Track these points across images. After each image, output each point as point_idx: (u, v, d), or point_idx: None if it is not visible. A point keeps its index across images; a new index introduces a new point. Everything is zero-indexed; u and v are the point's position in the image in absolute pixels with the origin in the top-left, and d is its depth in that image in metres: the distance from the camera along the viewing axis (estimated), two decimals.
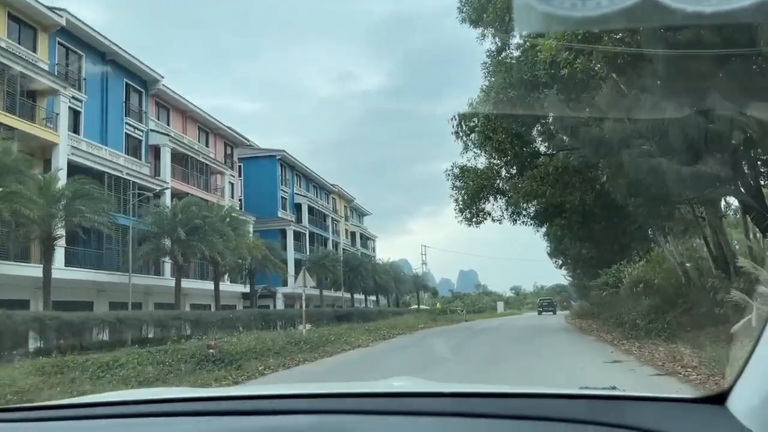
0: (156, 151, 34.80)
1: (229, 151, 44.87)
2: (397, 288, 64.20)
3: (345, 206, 69.32)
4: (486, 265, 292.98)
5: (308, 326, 19.45)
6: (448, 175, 21.63)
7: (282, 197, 50.83)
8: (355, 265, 53.40)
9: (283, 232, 48.76)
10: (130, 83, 32.94)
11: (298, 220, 52.52)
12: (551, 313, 62.27)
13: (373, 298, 66.58)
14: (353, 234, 70.56)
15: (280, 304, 46.78)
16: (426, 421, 1.20)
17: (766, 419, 1.01)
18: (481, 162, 20.64)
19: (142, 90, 34.06)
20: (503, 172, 20.58)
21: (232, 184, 44.57)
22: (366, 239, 75.37)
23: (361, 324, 27.18)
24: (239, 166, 48.31)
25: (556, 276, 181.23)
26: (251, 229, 44.26)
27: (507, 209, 23.18)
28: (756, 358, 1.08)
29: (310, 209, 54.33)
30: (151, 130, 34.56)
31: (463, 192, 21.36)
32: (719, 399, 1.14)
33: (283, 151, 49.30)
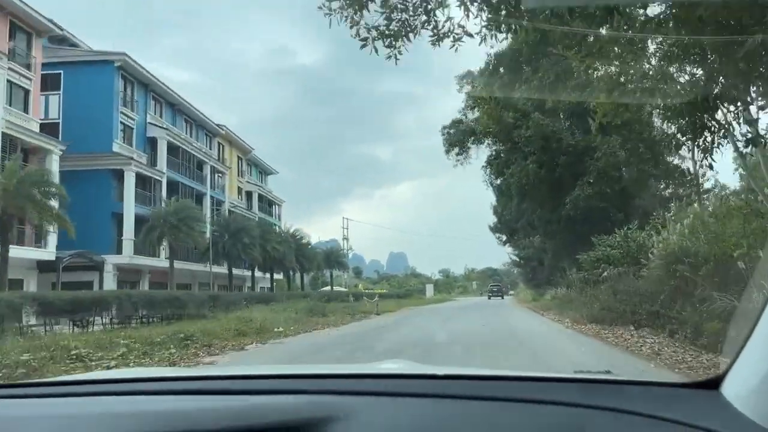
0: None
1: (22, 42, 28.53)
2: (301, 264, 49.52)
3: (239, 157, 53.71)
4: (416, 247, 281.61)
5: None
6: None
7: (125, 125, 34.86)
8: (235, 231, 38.26)
9: (120, 175, 32.98)
10: None
11: (153, 162, 36.76)
12: (500, 297, 60.51)
13: (280, 275, 51.84)
14: (249, 194, 55.13)
15: (109, 281, 31.23)
16: (418, 402, 1.17)
17: (760, 404, 1.00)
18: None
19: None
20: None
21: (26, 92, 28.38)
22: (269, 203, 60.11)
23: (123, 329, 12.53)
24: (57, 74, 32.16)
25: (489, 259, 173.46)
26: (55, 162, 28.46)
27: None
28: (752, 344, 1.07)
29: (173, 148, 38.56)
30: None
31: None
32: (713, 384, 1.13)
33: (124, 54, 33.21)
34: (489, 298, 60.88)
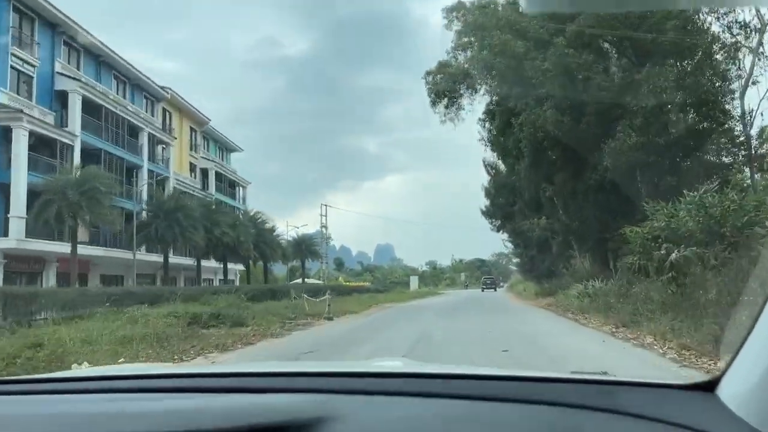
0: None
1: None
2: (262, 252, 42.15)
3: (192, 128, 46.17)
4: (403, 239, 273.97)
5: None
6: None
7: (19, 71, 27.20)
8: (171, 210, 30.82)
9: (8, 134, 25.42)
10: None
11: (62, 121, 29.18)
12: (493, 289, 60.20)
13: (239, 266, 44.57)
14: (205, 171, 47.63)
15: None
16: (415, 401, 1.17)
17: (755, 406, 1.00)
18: None
19: None
20: None
21: None
22: (231, 184, 52.57)
23: None
24: None
25: (477, 250, 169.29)
26: None
27: None
28: (749, 345, 1.08)
29: (94, 108, 30.91)
30: None
31: None
32: (710, 386, 1.13)
33: None
34: (482, 290, 60.63)
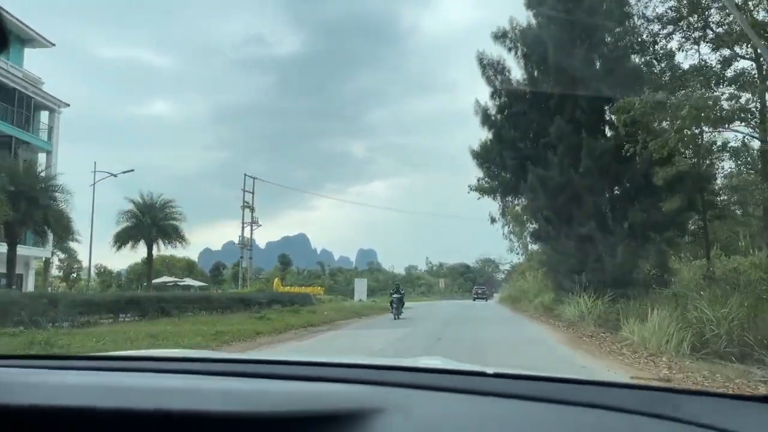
0: None
1: None
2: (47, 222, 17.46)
3: None
4: (387, 244, 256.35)
5: None
6: None
7: None
8: None
9: None
10: None
11: None
12: (484, 300, 58.10)
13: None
14: None
15: None
16: (469, 398, 1.15)
17: None
18: None
19: None
20: None
21: None
22: (21, 100, 27.85)
23: None
24: None
25: (461, 256, 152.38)
26: None
27: None
28: None
29: None
30: None
31: None
32: None
33: None
34: (474, 300, 58.35)
